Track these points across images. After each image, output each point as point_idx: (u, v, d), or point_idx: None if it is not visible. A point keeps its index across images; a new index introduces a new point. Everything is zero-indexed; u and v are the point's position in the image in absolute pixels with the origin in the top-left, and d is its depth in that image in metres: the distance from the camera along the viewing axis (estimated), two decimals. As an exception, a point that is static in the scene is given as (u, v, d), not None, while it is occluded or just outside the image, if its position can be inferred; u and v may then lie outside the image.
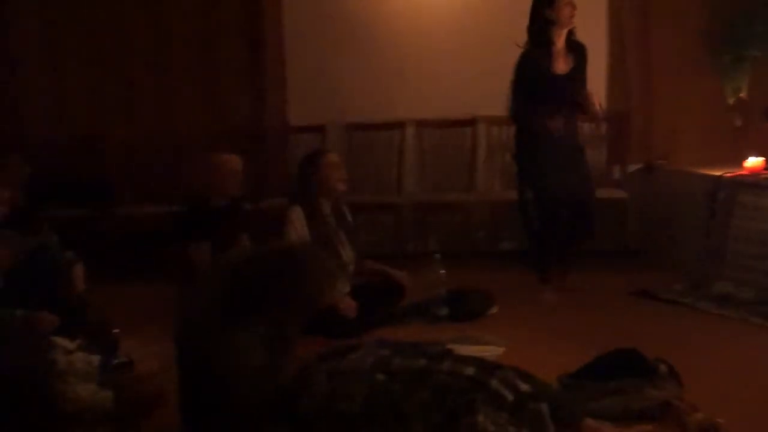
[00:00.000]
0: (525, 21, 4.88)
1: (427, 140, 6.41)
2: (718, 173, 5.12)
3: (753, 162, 5.07)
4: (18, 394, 2.95)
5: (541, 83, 4.84)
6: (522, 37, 4.90)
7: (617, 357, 3.13)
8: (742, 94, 5.73)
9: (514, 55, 4.90)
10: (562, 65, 4.89)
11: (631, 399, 2.88)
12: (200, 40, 6.49)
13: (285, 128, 6.47)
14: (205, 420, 2.60)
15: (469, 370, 2.51)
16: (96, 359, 3.23)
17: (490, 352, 3.66)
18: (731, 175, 5.05)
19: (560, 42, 4.86)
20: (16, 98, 6.50)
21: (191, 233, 4.58)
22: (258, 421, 2.50)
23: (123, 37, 6.48)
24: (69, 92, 6.54)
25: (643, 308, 4.63)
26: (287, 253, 2.83)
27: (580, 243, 5.06)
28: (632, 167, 6.16)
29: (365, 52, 6.30)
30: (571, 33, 4.89)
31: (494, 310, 4.57)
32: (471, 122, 6.30)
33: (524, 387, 2.47)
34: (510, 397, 2.43)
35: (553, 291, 4.87)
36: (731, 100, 5.77)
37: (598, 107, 4.87)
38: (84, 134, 6.40)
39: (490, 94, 5.33)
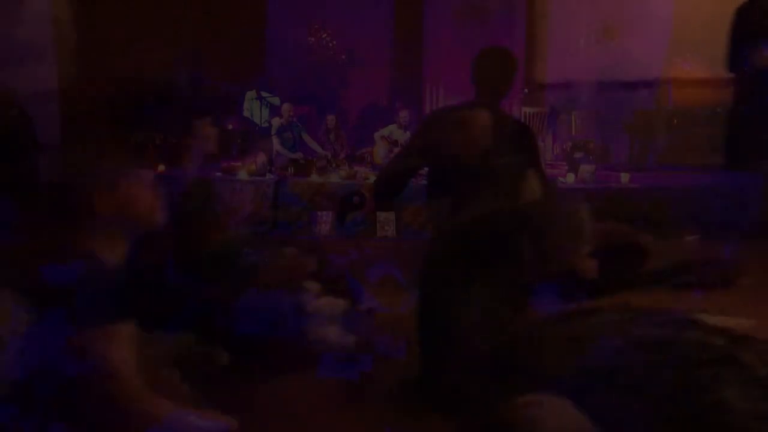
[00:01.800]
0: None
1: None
2: None
3: None
4: (267, 333, 3.16)
5: None
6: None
7: None
8: None
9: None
10: None
11: None
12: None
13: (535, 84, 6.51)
14: (440, 368, 2.66)
15: (719, 341, 2.38)
16: (342, 304, 3.38)
17: (738, 323, 3.47)
18: None
19: None
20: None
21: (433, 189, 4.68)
22: (488, 375, 2.51)
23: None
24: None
25: None
26: (533, 210, 2.82)
27: None
28: None
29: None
30: None
31: (744, 280, 4.32)
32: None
33: (781, 362, 2.31)
34: (764, 371, 2.27)
35: None
36: None
37: None
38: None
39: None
